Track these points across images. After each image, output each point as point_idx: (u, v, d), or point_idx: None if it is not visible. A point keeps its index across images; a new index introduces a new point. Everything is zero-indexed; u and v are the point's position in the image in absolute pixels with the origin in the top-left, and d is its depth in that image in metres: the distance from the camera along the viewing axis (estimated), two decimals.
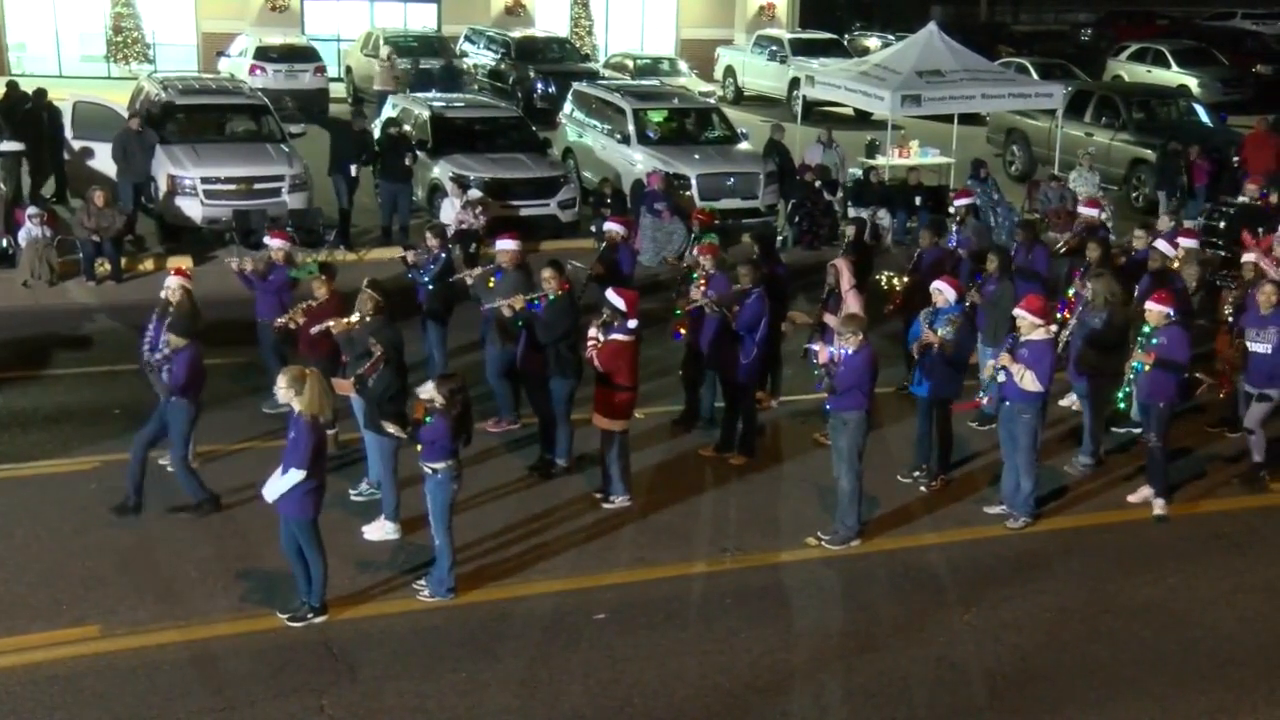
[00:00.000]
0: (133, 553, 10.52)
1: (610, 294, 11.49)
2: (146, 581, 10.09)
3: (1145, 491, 12.12)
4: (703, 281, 12.98)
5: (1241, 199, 19.88)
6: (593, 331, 11.37)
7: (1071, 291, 13.54)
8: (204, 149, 19.59)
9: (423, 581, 10.09)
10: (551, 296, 11.88)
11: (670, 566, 10.76)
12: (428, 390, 9.73)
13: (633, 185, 20.91)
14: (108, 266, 17.71)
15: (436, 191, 20.19)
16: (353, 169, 19.71)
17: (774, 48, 35.23)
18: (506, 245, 13.03)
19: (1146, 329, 11.63)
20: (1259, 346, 12.15)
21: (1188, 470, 12.83)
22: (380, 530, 10.87)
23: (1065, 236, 16.60)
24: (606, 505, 11.59)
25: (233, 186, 19.06)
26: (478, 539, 10.94)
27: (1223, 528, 11.86)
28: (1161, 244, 14.58)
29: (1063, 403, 13.80)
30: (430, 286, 13.29)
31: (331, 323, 11.39)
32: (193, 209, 18.97)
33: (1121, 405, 12.17)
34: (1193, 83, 34.57)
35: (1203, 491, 12.54)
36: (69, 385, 13.65)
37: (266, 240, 13.68)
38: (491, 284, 12.86)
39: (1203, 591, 10.73)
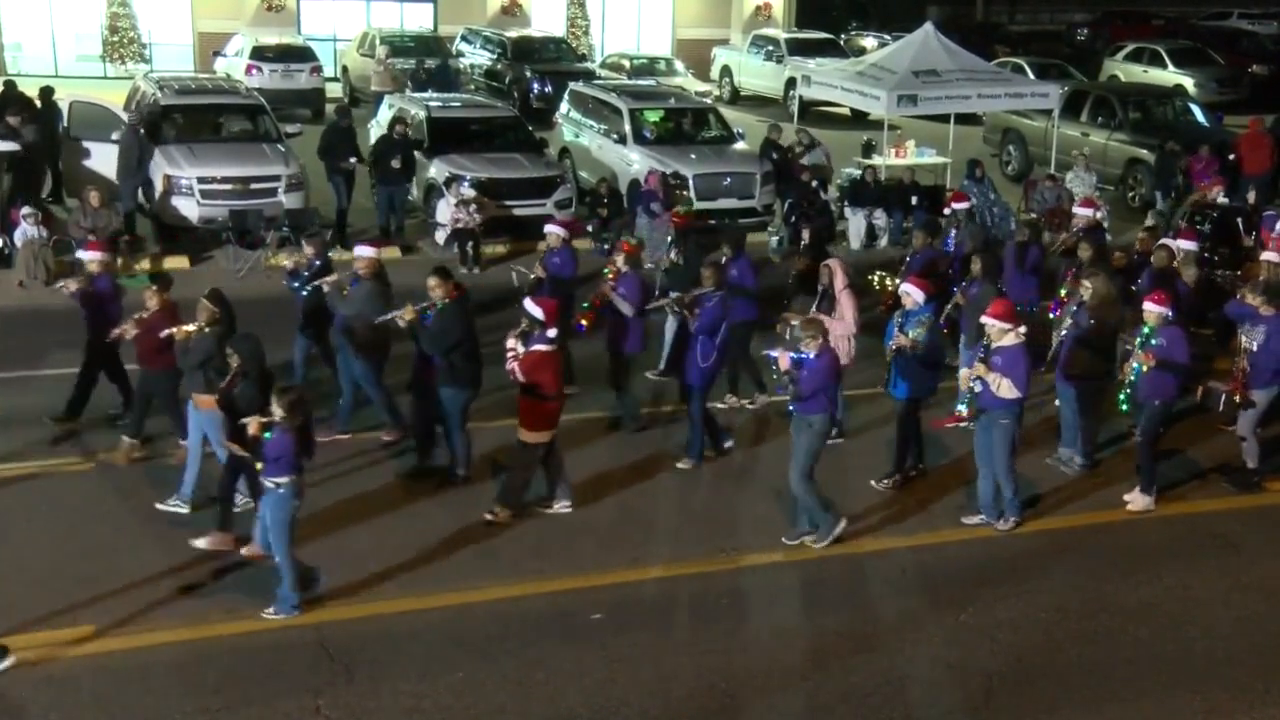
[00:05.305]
0: (128, 553, 10.51)
1: (528, 303, 11.26)
2: (142, 582, 10.07)
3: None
4: (612, 277, 12.93)
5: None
6: (511, 342, 11.08)
7: (1064, 291, 13.55)
8: (200, 149, 19.57)
9: (271, 610, 9.70)
10: (440, 305, 11.61)
11: (666, 566, 10.76)
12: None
13: (629, 185, 20.92)
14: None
15: (433, 191, 20.20)
16: (352, 161, 19.85)
17: (770, 48, 35.22)
18: (364, 252, 12.82)
19: (1146, 329, 11.62)
20: (1247, 343, 12.20)
21: (1185, 470, 12.85)
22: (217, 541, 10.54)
23: (1061, 237, 16.61)
24: (488, 516, 11.24)
25: (229, 186, 19.04)
26: (474, 538, 10.96)
27: (1219, 527, 11.86)
28: (1175, 242, 14.57)
29: (1058, 402, 13.80)
30: (304, 293, 12.97)
31: (174, 330, 11.15)
32: (189, 209, 18.96)
33: (1125, 408, 12.12)
34: (1189, 82, 34.57)
35: (1199, 491, 12.54)
36: (64, 385, 13.57)
37: (81, 254, 13.37)
38: (346, 292, 12.50)
39: (1199, 591, 10.74)
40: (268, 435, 9.42)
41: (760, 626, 9.95)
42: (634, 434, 13.17)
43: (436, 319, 11.59)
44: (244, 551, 10.28)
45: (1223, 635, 10.07)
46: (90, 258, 12.86)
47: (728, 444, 12.84)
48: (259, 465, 9.55)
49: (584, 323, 13.37)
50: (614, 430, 13.30)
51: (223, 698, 8.71)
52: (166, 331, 11.24)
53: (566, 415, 13.17)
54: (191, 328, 11.05)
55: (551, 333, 11.08)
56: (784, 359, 10.72)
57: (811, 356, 10.67)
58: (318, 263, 13.23)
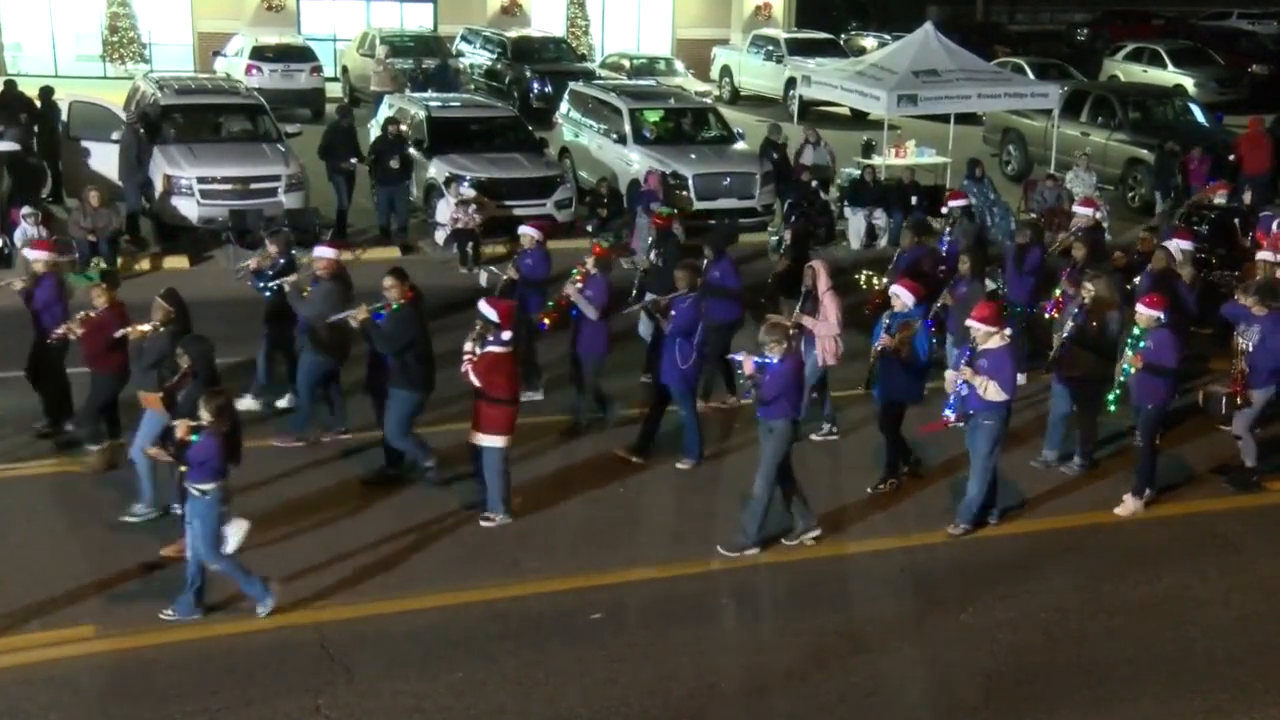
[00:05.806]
0: (128, 553, 10.49)
1: (483, 305, 11.14)
2: (142, 582, 10.09)
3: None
4: (580, 279, 12.90)
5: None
6: (468, 345, 11.00)
7: (1059, 291, 13.53)
8: (200, 149, 19.59)
9: (260, 609, 9.68)
10: (395, 306, 11.53)
11: (665, 566, 10.76)
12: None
13: (629, 185, 20.92)
14: (103, 266, 17.68)
15: (433, 191, 20.21)
16: (352, 161, 19.91)
17: (770, 47, 35.25)
18: (324, 253, 12.72)
19: (1137, 331, 11.62)
20: (1244, 343, 12.20)
21: (1184, 470, 12.85)
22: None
23: (1060, 237, 16.61)
24: (484, 523, 11.21)
25: (229, 186, 19.06)
26: (473, 538, 10.97)
27: (1219, 527, 11.87)
28: (1171, 244, 14.57)
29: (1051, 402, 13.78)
30: (268, 294, 12.97)
31: (128, 330, 11.06)
32: (189, 209, 18.97)
33: (1113, 409, 12.14)
34: (1189, 82, 34.61)
35: (1199, 491, 12.54)
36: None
37: (27, 253, 13.23)
38: (306, 292, 12.43)
39: (1199, 591, 10.74)
40: (194, 438, 9.26)
41: (760, 626, 9.97)
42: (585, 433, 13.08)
43: (389, 319, 11.51)
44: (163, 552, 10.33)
45: (1223, 635, 10.07)
46: (35, 257, 12.68)
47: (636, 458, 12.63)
48: (183, 469, 9.37)
49: (546, 321, 13.31)
50: (574, 432, 13.21)
51: (223, 698, 8.71)
52: (121, 332, 11.16)
53: (563, 416, 13.25)
54: (146, 327, 10.96)
55: (506, 335, 10.97)
56: (748, 363, 10.64)
57: (775, 361, 10.60)
58: (281, 261, 13.20)
